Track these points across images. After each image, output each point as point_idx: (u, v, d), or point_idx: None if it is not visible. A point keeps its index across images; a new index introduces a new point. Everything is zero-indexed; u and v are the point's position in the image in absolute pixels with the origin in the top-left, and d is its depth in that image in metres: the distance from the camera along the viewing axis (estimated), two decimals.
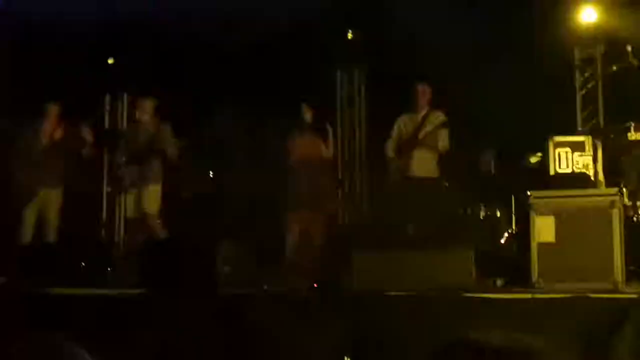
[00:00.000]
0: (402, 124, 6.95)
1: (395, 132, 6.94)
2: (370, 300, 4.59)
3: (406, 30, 9.19)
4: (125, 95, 11.03)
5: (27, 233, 7.51)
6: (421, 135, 6.67)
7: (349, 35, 10.85)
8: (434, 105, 6.97)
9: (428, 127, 6.67)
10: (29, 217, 7.58)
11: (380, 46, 10.35)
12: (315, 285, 5.18)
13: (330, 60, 11.05)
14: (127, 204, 7.77)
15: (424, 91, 6.82)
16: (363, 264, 5.04)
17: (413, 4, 8.56)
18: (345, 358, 4.35)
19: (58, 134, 7.71)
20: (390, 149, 6.89)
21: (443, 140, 6.64)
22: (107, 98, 11.10)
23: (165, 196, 7.89)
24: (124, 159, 7.83)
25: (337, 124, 11.24)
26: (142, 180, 7.59)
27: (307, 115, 7.10)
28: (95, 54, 9.78)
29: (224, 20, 8.73)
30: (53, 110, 7.75)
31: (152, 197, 7.60)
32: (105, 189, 10.96)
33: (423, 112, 6.78)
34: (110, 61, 10.24)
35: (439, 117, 6.72)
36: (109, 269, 7.07)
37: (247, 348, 4.41)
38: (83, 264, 6.49)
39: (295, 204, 6.86)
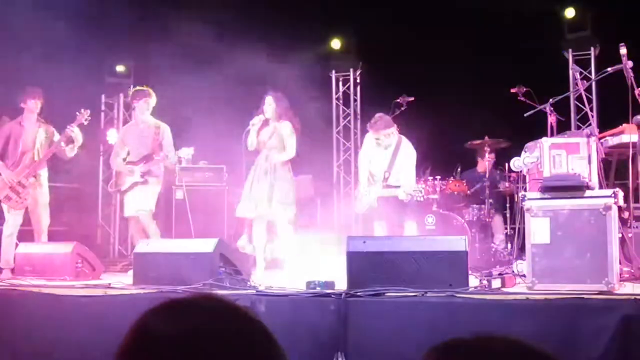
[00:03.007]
0: None
1: None
2: (365, 301, 4.61)
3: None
4: (121, 96, 11.06)
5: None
6: None
7: (334, 43, 11.03)
8: None
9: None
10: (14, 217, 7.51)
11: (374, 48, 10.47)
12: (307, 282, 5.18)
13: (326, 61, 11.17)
14: (127, 203, 7.75)
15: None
16: (356, 263, 5.04)
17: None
18: (339, 357, 4.37)
19: (39, 139, 7.61)
20: None
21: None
22: (102, 98, 11.14)
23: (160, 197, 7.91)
24: (127, 158, 7.82)
25: (334, 122, 11.37)
26: (147, 178, 7.59)
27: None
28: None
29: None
30: (35, 106, 7.63)
31: (153, 197, 7.61)
32: (101, 188, 10.99)
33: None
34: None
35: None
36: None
37: None
38: (79, 263, 6.47)
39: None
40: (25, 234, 7.64)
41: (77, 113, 7.62)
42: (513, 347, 1.19)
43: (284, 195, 7.10)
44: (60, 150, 7.60)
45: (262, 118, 7.18)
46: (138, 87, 8.23)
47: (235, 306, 1.32)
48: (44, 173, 7.64)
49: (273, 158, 7.13)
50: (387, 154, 7.23)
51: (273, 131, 7.22)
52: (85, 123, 7.68)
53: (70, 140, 7.61)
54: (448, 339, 1.26)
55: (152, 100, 7.76)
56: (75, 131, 7.56)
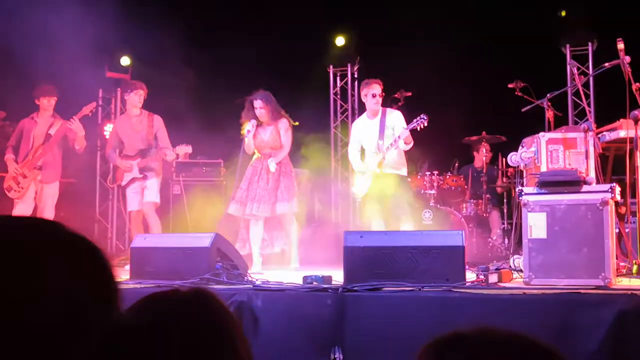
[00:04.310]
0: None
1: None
2: (363, 295, 4.61)
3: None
4: (119, 91, 11.04)
5: None
6: None
7: (338, 42, 11.03)
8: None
9: None
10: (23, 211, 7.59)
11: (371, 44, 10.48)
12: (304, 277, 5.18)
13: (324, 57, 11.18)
14: (129, 197, 7.77)
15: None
16: (353, 258, 5.04)
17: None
18: (337, 355, 4.37)
19: (54, 128, 7.72)
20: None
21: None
22: (100, 92, 11.11)
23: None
24: (123, 151, 7.83)
25: (331, 117, 11.37)
26: (146, 174, 7.60)
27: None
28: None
29: None
30: (48, 104, 7.74)
31: (155, 190, 7.64)
32: (98, 183, 10.99)
33: None
34: None
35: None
36: None
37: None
38: None
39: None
40: None
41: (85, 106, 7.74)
42: (515, 339, 1.19)
43: (288, 192, 7.16)
44: (72, 137, 7.66)
45: (255, 123, 7.22)
46: (129, 80, 8.28)
47: (195, 299, 1.36)
48: (55, 168, 7.73)
49: (276, 159, 7.15)
50: (375, 126, 7.23)
51: (272, 131, 7.28)
52: (90, 115, 7.78)
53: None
54: (447, 332, 1.25)
55: (144, 92, 7.77)
56: (75, 122, 7.61)
